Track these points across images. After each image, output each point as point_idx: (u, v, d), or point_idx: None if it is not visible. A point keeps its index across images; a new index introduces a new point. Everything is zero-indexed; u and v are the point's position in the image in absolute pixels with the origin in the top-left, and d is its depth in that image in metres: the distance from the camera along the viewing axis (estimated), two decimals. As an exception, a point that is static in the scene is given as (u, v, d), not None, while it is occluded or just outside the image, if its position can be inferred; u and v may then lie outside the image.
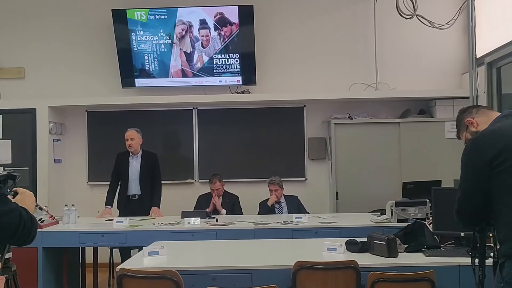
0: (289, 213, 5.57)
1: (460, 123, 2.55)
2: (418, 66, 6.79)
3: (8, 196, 2.15)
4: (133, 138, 5.62)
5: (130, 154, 5.70)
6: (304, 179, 6.92)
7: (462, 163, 2.29)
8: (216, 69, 6.76)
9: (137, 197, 5.68)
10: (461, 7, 5.98)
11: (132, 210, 5.54)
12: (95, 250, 5.52)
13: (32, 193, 2.29)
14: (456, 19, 5.85)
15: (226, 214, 5.67)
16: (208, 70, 6.77)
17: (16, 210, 1.99)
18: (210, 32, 6.70)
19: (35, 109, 6.69)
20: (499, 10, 5.61)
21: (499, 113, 2.41)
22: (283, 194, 5.87)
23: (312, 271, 3.09)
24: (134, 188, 5.68)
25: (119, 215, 5.48)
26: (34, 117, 6.68)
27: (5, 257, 2.32)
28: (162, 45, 6.74)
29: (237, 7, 6.60)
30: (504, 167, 2.13)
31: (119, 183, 5.74)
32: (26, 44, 7.02)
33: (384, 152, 6.46)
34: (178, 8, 6.68)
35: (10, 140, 6.71)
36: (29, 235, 2.05)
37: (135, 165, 5.70)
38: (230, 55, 6.72)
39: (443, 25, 5.84)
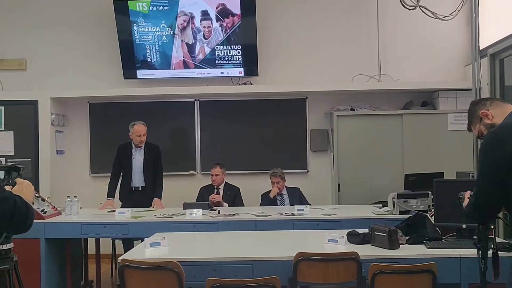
0: (291, 205, 5.57)
1: (473, 115, 2.51)
2: (421, 58, 6.77)
3: (8, 186, 2.18)
4: (145, 133, 5.65)
5: (133, 146, 5.70)
6: (306, 171, 6.92)
7: (481, 156, 2.26)
8: (218, 60, 6.74)
9: (140, 189, 5.69)
10: (464, -2, 5.94)
11: (135, 201, 5.55)
12: (97, 241, 5.53)
13: (30, 183, 2.30)
14: (459, 10, 5.80)
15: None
16: (210, 61, 6.75)
17: (10, 198, 2.01)
18: (212, 23, 6.67)
19: (37, 100, 6.69)
20: (502, 1, 5.57)
21: None
22: (285, 186, 5.87)
23: (313, 262, 3.10)
24: (137, 180, 5.70)
25: (122, 207, 5.48)
26: (36, 108, 6.69)
27: (6, 248, 2.34)
28: (164, 36, 6.72)
29: (239, -2, 6.57)
30: None
31: (121, 174, 5.75)
32: (28, 36, 7.01)
33: (386, 144, 6.44)
34: (180, -1, 6.66)
35: (12, 132, 6.72)
36: (24, 223, 2.07)
37: (138, 158, 5.71)
38: (232, 46, 6.69)
39: (446, 16, 5.80)
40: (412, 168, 6.01)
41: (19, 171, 2.38)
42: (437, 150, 6.34)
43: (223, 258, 3.26)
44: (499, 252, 2.43)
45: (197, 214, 4.83)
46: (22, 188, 2.24)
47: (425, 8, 5.72)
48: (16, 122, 6.74)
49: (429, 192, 4.36)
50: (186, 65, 6.78)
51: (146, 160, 5.69)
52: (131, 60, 6.76)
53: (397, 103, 6.82)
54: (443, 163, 6.15)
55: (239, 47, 6.69)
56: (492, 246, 2.37)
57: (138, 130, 5.62)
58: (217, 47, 6.71)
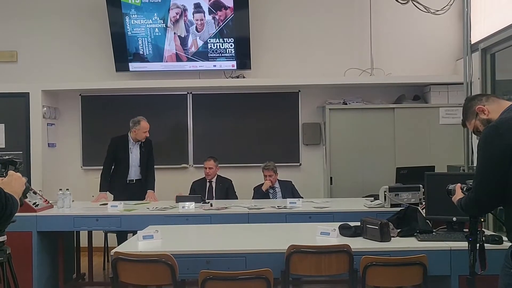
0: (283, 198, 5.59)
1: (469, 111, 2.51)
2: (413, 52, 6.79)
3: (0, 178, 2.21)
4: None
5: (131, 140, 5.68)
6: (299, 164, 6.94)
7: (480, 149, 2.25)
8: (211, 53, 6.72)
9: (134, 181, 5.70)
10: (456, -7, 5.96)
11: (130, 194, 5.55)
12: (90, 234, 5.53)
13: (20, 175, 2.31)
14: (451, 4, 5.82)
15: (220, 199, 5.67)
16: (203, 54, 6.73)
17: None
18: (204, 16, 6.65)
19: (28, 93, 6.64)
20: (494, -5, 5.60)
21: (510, 102, 2.40)
22: (277, 179, 5.89)
23: (305, 255, 3.12)
24: (134, 173, 5.71)
25: (116, 199, 5.47)
26: (28, 101, 6.64)
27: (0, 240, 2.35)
28: (156, 29, 6.69)
29: (232, -9, 6.54)
30: None
31: (112, 168, 5.74)
32: (19, 28, 6.95)
33: (378, 138, 6.47)
34: (173, -8, 6.62)
35: (3, 124, 6.68)
36: (3, 213, 2.08)
37: (135, 152, 5.72)
38: (225, 39, 6.68)
39: (438, 10, 5.82)
40: (404, 161, 6.05)
41: (15, 165, 2.41)
42: (429, 143, 6.39)
43: (216, 251, 3.27)
44: (490, 245, 2.47)
45: (190, 207, 4.84)
46: (11, 180, 2.25)
47: (417, 2, 5.74)
48: (7, 115, 6.69)
49: (420, 186, 4.39)
50: (178, 58, 6.76)
51: (143, 154, 5.71)
52: (123, 52, 6.73)
53: (389, 97, 6.85)
54: (434, 156, 6.21)
55: (231, 40, 6.67)
56: (480, 238, 2.40)
57: (145, 126, 5.63)
58: (209, 40, 6.70)
